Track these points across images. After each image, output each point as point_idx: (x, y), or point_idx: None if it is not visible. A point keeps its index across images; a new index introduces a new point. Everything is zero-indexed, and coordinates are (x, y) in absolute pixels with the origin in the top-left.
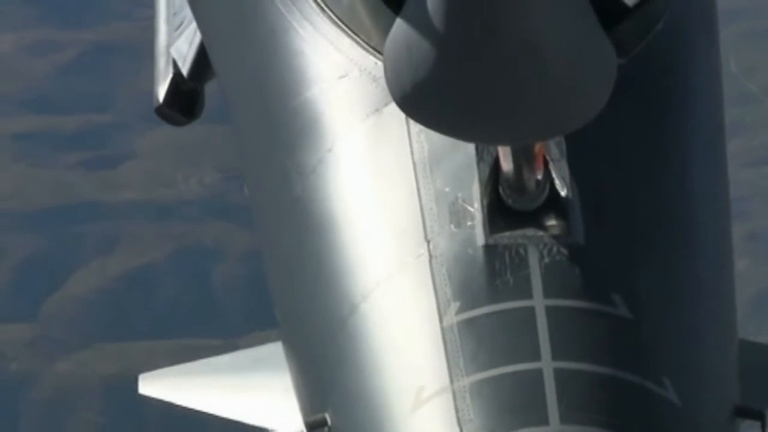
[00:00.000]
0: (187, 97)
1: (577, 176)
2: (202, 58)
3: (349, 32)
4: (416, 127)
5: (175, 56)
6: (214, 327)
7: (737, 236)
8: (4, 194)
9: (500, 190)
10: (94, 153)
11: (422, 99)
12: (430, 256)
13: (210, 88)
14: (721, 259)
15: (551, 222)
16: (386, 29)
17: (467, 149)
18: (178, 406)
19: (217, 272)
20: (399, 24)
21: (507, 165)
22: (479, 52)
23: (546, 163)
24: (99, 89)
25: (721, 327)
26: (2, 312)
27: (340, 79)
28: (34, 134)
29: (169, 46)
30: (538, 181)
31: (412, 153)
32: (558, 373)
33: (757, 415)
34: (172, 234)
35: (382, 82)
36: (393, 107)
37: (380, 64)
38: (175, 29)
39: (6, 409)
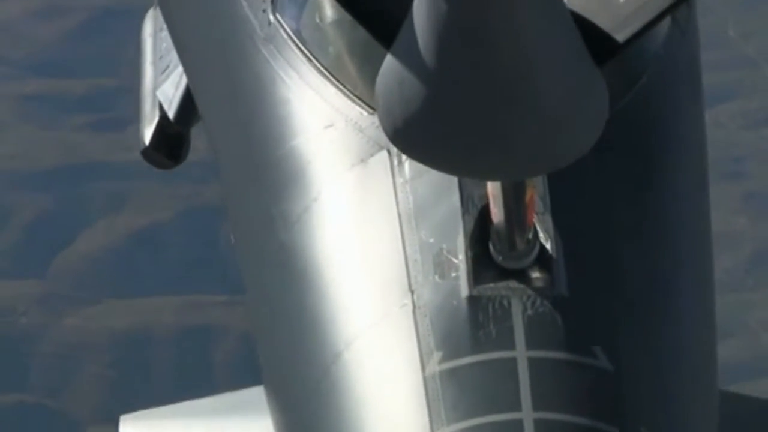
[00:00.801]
0: (173, 141)
1: (561, 229)
2: (188, 102)
3: (335, 82)
4: (401, 178)
5: (161, 99)
6: (220, 284)
7: (734, 196)
8: (13, 154)
9: (490, 247)
10: (101, 115)
11: (414, 133)
12: (414, 306)
13: (196, 131)
14: (702, 312)
15: (535, 274)
16: (372, 79)
17: (452, 200)
18: (187, 366)
19: (224, 231)
20: (390, 59)
21: (497, 217)
22: (470, 87)
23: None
24: (106, 54)
25: (700, 379)
26: (12, 269)
27: (325, 129)
28: (42, 97)
29: (155, 89)
30: (528, 239)
31: (397, 203)
32: (538, 424)
33: None
34: (179, 194)
35: (368, 132)
36: (378, 157)
37: (366, 114)
38: (162, 72)
39: (17, 362)
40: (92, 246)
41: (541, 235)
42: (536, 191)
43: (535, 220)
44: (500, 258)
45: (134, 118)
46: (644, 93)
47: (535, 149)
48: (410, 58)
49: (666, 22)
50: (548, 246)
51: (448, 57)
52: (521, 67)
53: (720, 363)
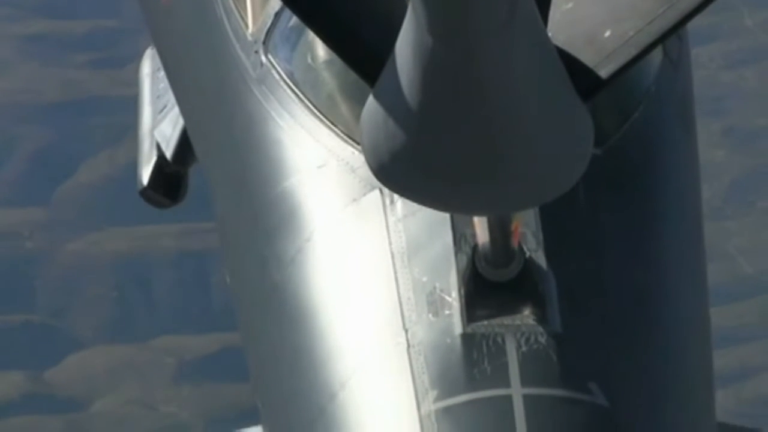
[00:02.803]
0: (171, 180)
1: (554, 265)
2: (185, 142)
3: (327, 122)
4: (394, 217)
5: (159, 139)
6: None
7: (715, 130)
8: (16, 89)
9: (475, 261)
10: (102, 54)
11: (399, 169)
12: (408, 344)
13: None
14: (698, 347)
15: (529, 311)
16: None
17: (445, 239)
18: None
19: None
20: (375, 95)
21: (483, 236)
22: (455, 123)
23: (520, 234)
24: None
25: (698, 414)
26: (18, 197)
27: (318, 169)
28: (45, 36)
29: (153, 128)
30: (513, 252)
31: (390, 243)
32: None
33: None
34: None
35: (360, 172)
36: (371, 197)
37: (358, 154)
38: (159, 111)
39: (23, 283)
40: (94, 176)
41: (534, 271)
42: (526, 225)
43: (527, 255)
44: (485, 272)
45: (134, 56)
46: (637, 128)
47: (520, 185)
48: (395, 95)
49: (658, 56)
50: (540, 281)
51: (433, 94)
52: (506, 105)
53: None
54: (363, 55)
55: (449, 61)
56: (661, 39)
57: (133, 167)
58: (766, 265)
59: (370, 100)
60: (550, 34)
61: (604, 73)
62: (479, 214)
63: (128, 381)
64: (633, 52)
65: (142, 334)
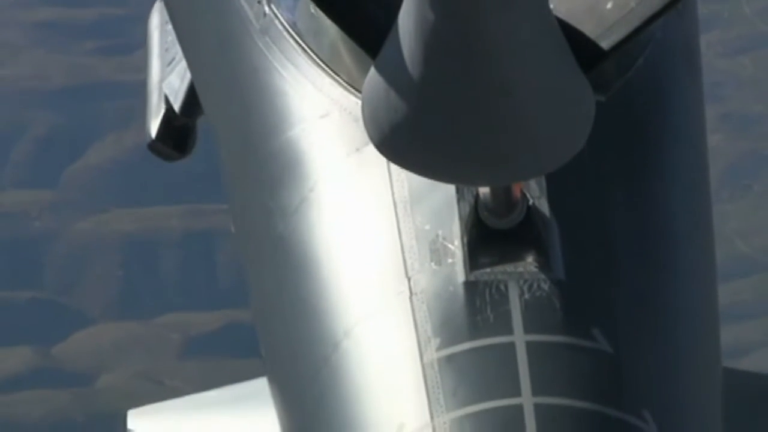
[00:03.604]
0: (179, 133)
1: (557, 212)
2: (193, 94)
3: (330, 72)
4: (396, 166)
5: (167, 92)
6: (222, 194)
7: (712, 115)
8: (26, 75)
9: (478, 209)
10: (110, 41)
11: (400, 142)
12: (411, 293)
13: (203, 123)
14: (703, 292)
15: (532, 258)
16: (367, 69)
17: (447, 187)
18: (191, 267)
19: None
20: (376, 68)
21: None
22: (456, 94)
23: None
24: None
25: (703, 359)
26: (26, 179)
27: (321, 119)
28: (53, 23)
29: (161, 81)
30: (516, 200)
31: (392, 192)
32: (538, 409)
33: None
34: None
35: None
36: (370, 141)
37: (361, 103)
38: (167, 64)
39: (31, 261)
40: (101, 158)
41: (537, 218)
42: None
43: (530, 203)
44: (488, 221)
45: (142, 44)
46: (642, 75)
47: (522, 156)
48: (397, 67)
49: None
50: (544, 228)
51: (435, 66)
52: (508, 75)
53: None
54: (365, 26)
55: (451, 33)
56: (663, 10)
57: (141, 151)
58: (762, 245)
59: (372, 72)
60: (551, 6)
61: (605, 44)
62: (481, 185)
63: (134, 356)
64: (635, 23)
65: (148, 311)
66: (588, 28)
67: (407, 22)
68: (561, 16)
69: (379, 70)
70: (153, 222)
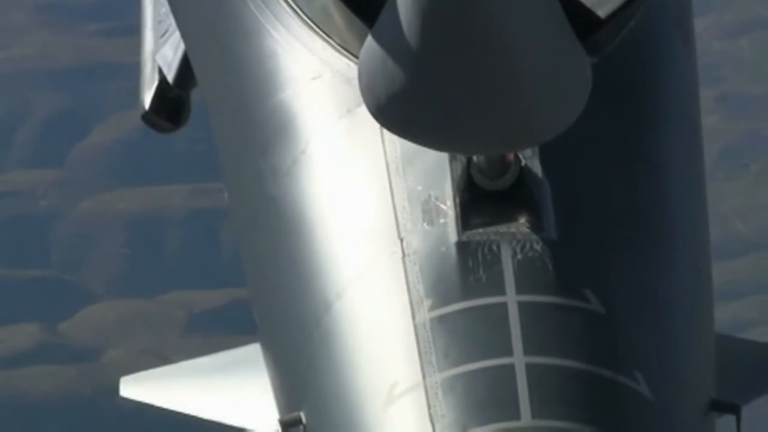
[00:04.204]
0: (173, 104)
1: (550, 173)
2: (186, 65)
3: (322, 34)
4: None
5: (161, 63)
6: None
7: (709, 97)
8: (32, 56)
9: (470, 170)
10: (114, 22)
11: (397, 109)
12: (403, 254)
13: (197, 95)
14: (697, 254)
15: (524, 218)
16: (359, 31)
17: None
18: (196, 245)
19: None
20: (373, 37)
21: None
22: (454, 63)
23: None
24: None
25: (696, 321)
26: (32, 158)
27: (313, 81)
28: (58, 5)
29: (154, 53)
30: (508, 161)
31: (385, 153)
32: (530, 368)
33: (732, 409)
34: None
35: (355, 83)
36: (365, 107)
37: (353, 65)
38: (161, 36)
39: (37, 240)
40: (106, 138)
41: (529, 179)
42: None
43: (522, 164)
44: (481, 182)
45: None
46: (634, 36)
47: (519, 124)
48: (394, 36)
49: None
50: (536, 189)
51: (432, 35)
52: (505, 43)
53: None
54: None
55: (448, 2)
56: None
57: (145, 131)
58: (759, 225)
59: (368, 41)
60: None
61: (602, 12)
62: (478, 153)
63: (139, 333)
64: None
65: (152, 289)
66: None
67: None
68: None
69: (376, 38)
70: (157, 201)
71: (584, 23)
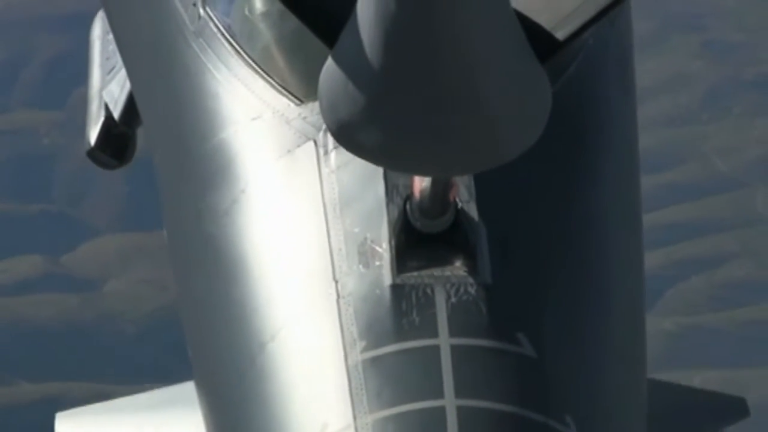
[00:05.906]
0: (118, 141)
1: (486, 216)
2: (132, 102)
3: (263, 74)
4: (327, 168)
5: (107, 100)
6: None
7: (694, 43)
8: (35, 1)
9: (407, 212)
10: None
11: (358, 130)
12: (338, 295)
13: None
14: (630, 301)
15: (459, 262)
16: (300, 71)
17: (377, 191)
18: None
19: None
20: (335, 57)
21: (416, 188)
22: (415, 85)
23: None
24: None
25: (628, 366)
26: (36, 99)
27: (253, 121)
28: None
29: (101, 89)
30: (445, 204)
31: (323, 194)
32: (461, 411)
33: None
34: None
35: (295, 123)
36: (305, 148)
37: (293, 105)
38: (108, 73)
39: (40, 176)
40: None
41: (465, 223)
42: (459, 177)
43: (459, 207)
44: (418, 223)
45: None
46: (573, 81)
47: (479, 146)
48: (355, 57)
49: None
50: (471, 232)
51: (394, 56)
52: (467, 65)
53: (677, 188)
54: (322, 16)
55: (410, 24)
56: (618, 1)
57: None
58: (739, 163)
59: (329, 62)
60: None
61: (560, 35)
62: (440, 174)
63: (139, 264)
64: (588, 14)
65: (152, 223)
66: (544, 19)
67: (366, 11)
68: (518, 7)
69: (337, 59)
70: None
71: (544, 46)
